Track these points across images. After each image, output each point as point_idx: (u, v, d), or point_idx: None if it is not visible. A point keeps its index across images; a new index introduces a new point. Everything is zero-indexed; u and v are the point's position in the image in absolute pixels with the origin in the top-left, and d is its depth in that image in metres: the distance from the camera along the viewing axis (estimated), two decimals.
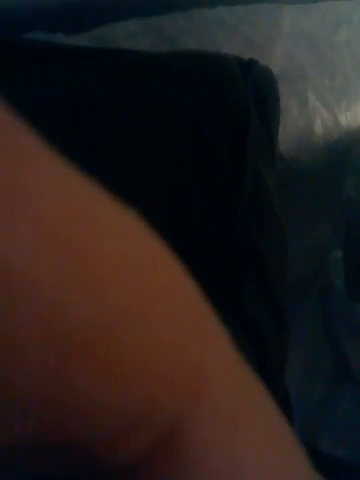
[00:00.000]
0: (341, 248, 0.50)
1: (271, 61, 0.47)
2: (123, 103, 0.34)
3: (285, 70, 0.49)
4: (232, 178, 0.35)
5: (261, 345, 0.33)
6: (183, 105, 0.35)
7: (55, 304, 0.11)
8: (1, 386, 0.11)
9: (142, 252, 0.13)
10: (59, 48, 0.39)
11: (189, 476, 0.14)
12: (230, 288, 0.33)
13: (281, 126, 0.42)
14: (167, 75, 0.36)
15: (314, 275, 0.51)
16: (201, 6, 0.50)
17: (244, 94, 0.36)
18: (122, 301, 0.12)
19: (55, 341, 0.11)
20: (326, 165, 0.51)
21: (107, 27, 0.46)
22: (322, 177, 0.51)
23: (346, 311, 0.49)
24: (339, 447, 0.46)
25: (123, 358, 0.12)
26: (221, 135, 0.35)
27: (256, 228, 0.35)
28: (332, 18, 0.56)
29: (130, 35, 0.46)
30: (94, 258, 0.12)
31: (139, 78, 0.36)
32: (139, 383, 0.12)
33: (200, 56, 0.38)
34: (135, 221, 0.13)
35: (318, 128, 0.51)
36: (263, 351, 0.33)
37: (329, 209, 0.51)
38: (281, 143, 0.46)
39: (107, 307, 0.12)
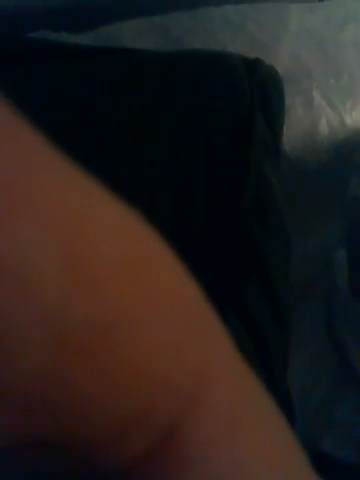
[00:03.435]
0: (345, 248, 0.50)
1: (276, 60, 0.47)
2: (126, 103, 0.35)
3: (290, 70, 0.49)
4: (236, 178, 0.35)
5: (263, 345, 0.33)
6: (187, 105, 0.35)
7: (53, 306, 0.11)
8: None
9: (143, 253, 0.13)
10: (63, 47, 0.39)
11: (188, 478, 0.14)
12: (232, 288, 0.33)
13: (286, 126, 0.42)
14: (172, 75, 0.36)
15: (318, 275, 0.51)
16: (207, 5, 0.50)
17: (249, 94, 0.36)
18: (122, 304, 0.12)
19: (52, 344, 0.11)
20: (331, 165, 0.51)
21: (112, 26, 0.46)
22: (327, 177, 0.51)
23: (350, 311, 0.49)
24: (340, 448, 0.46)
25: (122, 361, 0.12)
26: (225, 135, 0.35)
27: (259, 227, 0.35)
28: (338, 16, 0.56)
29: (135, 34, 0.46)
30: (94, 259, 0.12)
31: (143, 78, 0.36)
32: (138, 386, 0.12)
33: (205, 56, 0.38)
34: (137, 221, 0.13)
35: (323, 128, 0.50)
36: (265, 351, 0.33)
37: (333, 209, 0.51)
38: (286, 143, 0.46)
39: (106, 310, 0.12)
